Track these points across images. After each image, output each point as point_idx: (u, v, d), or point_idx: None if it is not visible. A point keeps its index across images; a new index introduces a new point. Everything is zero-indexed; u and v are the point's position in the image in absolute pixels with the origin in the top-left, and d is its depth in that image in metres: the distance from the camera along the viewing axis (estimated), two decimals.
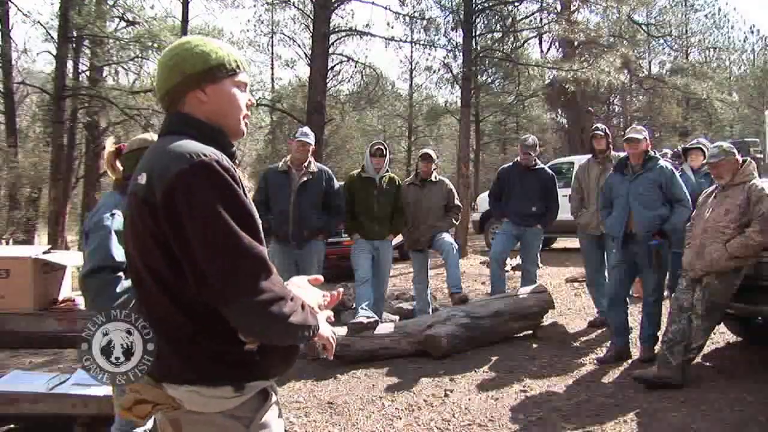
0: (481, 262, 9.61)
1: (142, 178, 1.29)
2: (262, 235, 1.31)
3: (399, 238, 6.07)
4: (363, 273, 5.04)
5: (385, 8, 13.59)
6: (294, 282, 1.52)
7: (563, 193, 5.93)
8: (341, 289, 1.63)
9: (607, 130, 5.37)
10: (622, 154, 4.74)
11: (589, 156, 5.45)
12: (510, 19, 13.36)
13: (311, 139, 4.97)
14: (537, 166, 5.67)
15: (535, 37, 18.02)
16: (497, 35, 14.14)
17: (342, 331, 4.79)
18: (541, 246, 5.87)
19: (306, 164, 4.91)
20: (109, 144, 2.54)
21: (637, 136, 4.34)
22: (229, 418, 1.31)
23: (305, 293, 1.45)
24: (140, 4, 15.20)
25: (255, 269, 1.23)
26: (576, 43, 15.64)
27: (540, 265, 6.05)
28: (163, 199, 1.23)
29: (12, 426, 3.45)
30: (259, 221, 1.32)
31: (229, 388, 1.29)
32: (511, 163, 5.88)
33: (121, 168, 2.46)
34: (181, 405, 1.30)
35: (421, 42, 15.08)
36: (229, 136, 1.43)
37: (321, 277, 1.58)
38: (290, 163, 4.92)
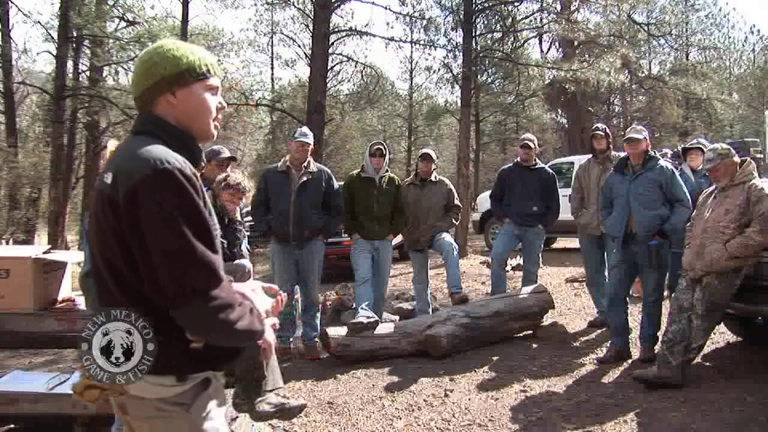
0: (481, 262, 9.61)
1: (108, 177, 1.35)
2: (218, 243, 1.37)
3: (399, 238, 6.07)
4: (363, 273, 5.04)
5: (385, 8, 13.62)
6: (248, 285, 1.62)
7: (563, 193, 5.93)
8: (285, 294, 1.74)
9: (608, 130, 5.37)
10: (622, 154, 4.74)
11: (590, 156, 5.45)
12: (510, 19, 13.35)
13: (310, 139, 4.97)
14: (537, 166, 5.68)
15: (535, 37, 18.04)
16: (497, 35, 14.13)
17: (342, 331, 4.79)
18: (542, 246, 5.87)
19: (305, 164, 4.91)
20: (112, 144, 2.55)
21: (637, 136, 4.35)
22: (171, 403, 1.39)
23: (256, 298, 1.54)
24: (140, 4, 15.22)
25: (205, 277, 1.30)
26: (576, 43, 15.64)
27: (541, 265, 6.04)
28: (125, 201, 1.30)
29: (12, 426, 3.46)
30: (215, 230, 1.38)
31: (172, 377, 1.38)
32: (511, 164, 5.89)
33: None
34: (126, 391, 1.37)
35: (421, 42, 15.07)
36: (198, 139, 1.49)
37: (276, 287, 1.69)
38: (290, 163, 4.93)
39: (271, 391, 3.13)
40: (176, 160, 1.33)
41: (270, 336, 1.51)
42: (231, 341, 1.42)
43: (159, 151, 1.33)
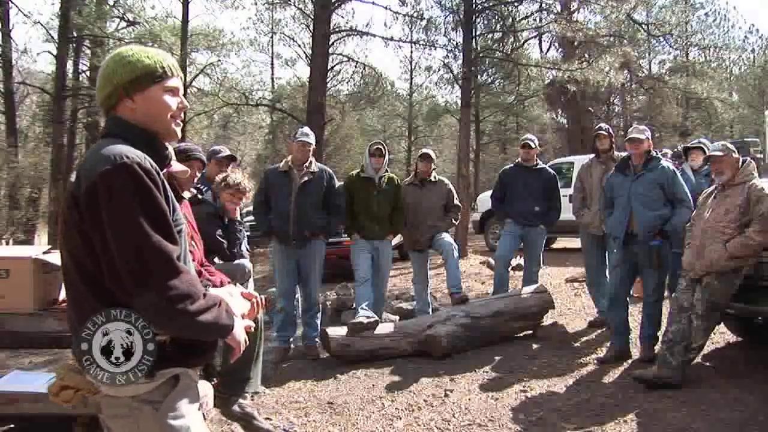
0: (481, 262, 9.61)
1: (73, 176, 1.41)
2: (176, 235, 1.41)
3: (399, 238, 6.07)
4: (363, 273, 5.04)
5: (385, 8, 13.61)
6: (226, 290, 1.70)
7: (563, 193, 5.93)
8: (263, 297, 1.80)
9: (611, 130, 5.37)
10: (624, 154, 4.74)
11: (591, 156, 5.45)
12: (510, 19, 13.34)
13: (311, 139, 4.97)
14: (539, 166, 5.68)
15: (535, 37, 18.01)
16: (497, 35, 14.10)
17: (342, 331, 4.79)
18: (543, 246, 5.88)
19: (307, 164, 4.91)
20: None
21: (639, 136, 4.34)
22: (141, 402, 1.41)
23: (232, 301, 1.60)
24: (140, 4, 15.24)
25: (161, 267, 1.33)
26: (576, 43, 15.63)
27: (542, 265, 6.04)
28: (85, 196, 1.34)
29: (12, 426, 3.45)
30: (174, 222, 1.42)
31: None
32: (512, 164, 5.89)
33: None
34: (99, 390, 1.40)
35: (421, 42, 15.07)
36: (161, 139, 1.55)
37: (254, 293, 1.76)
38: (291, 164, 4.93)
39: (252, 394, 3.22)
40: (135, 155, 1.38)
41: (240, 336, 1.51)
42: (195, 334, 1.43)
43: (119, 148, 1.38)
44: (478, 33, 13.45)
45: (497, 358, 4.68)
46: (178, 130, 1.59)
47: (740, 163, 3.78)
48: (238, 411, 3.10)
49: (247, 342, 1.58)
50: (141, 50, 1.53)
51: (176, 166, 2.12)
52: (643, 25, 18.33)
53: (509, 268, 6.07)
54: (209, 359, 1.60)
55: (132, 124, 1.48)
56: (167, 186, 1.44)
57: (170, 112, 1.53)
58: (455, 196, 5.66)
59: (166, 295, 1.32)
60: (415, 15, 13.94)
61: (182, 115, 1.60)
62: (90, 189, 1.33)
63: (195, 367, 1.54)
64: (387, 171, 5.32)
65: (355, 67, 17.39)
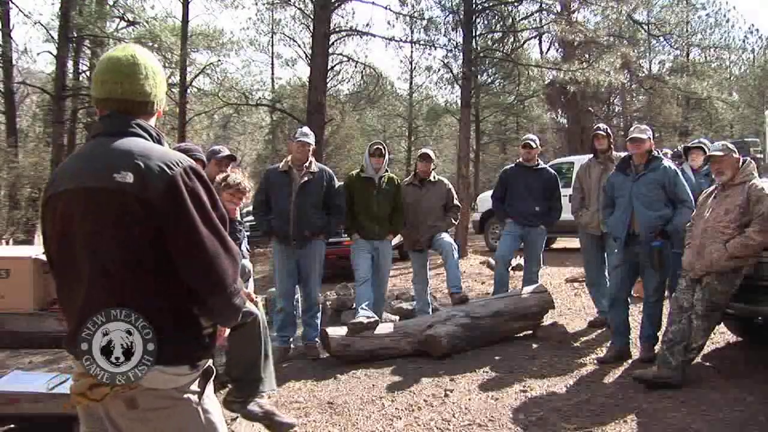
0: (481, 262, 9.61)
1: (129, 177, 1.36)
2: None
3: (399, 238, 6.07)
4: (363, 273, 5.04)
5: (385, 8, 13.61)
6: None
7: (563, 194, 5.93)
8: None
9: (609, 130, 5.37)
10: (623, 155, 4.73)
11: (591, 156, 5.45)
12: (510, 19, 13.35)
13: (311, 139, 4.97)
14: (539, 166, 5.68)
15: (535, 37, 18.04)
16: (497, 35, 14.12)
17: (342, 331, 4.79)
18: (543, 246, 5.88)
19: (307, 164, 4.91)
20: None
21: (641, 135, 4.33)
22: (183, 392, 1.43)
23: None
24: (140, 4, 15.24)
25: (234, 265, 1.43)
26: (576, 44, 15.63)
27: (542, 265, 6.04)
28: (161, 197, 1.35)
29: (12, 426, 3.45)
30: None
31: (186, 366, 1.43)
32: (513, 164, 5.89)
33: None
34: (138, 384, 1.38)
35: (421, 42, 15.08)
36: None
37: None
38: (291, 164, 4.93)
39: (266, 392, 3.20)
40: (188, 159, 1.43)
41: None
42: (235, 321, 1.55)
43: (170, 150, 1.45)
44: (478, 33, 13.46)
45: (497, 358, 4.67)
46: None
47: (740, 163, 3.78)
48: (259, 411, 3.08)
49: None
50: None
51: None
52: (643, 25, 18.34)
53: (509, 268, 6.07)
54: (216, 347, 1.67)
55: (151, 127, 1.53)
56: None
57: None
58: (455, 196, 5.66)
59: (231, 292, 1.42)
60: (415, 15, 13.95)
61: None
62: (167, 190, 1.36)
63: (212, 356, 1.59)
64: (387, 171, 5.32)
65: (355, 67, 17.42)
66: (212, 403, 1.52)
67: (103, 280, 1.39)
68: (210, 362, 1.51)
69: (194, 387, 1.45)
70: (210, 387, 1.51)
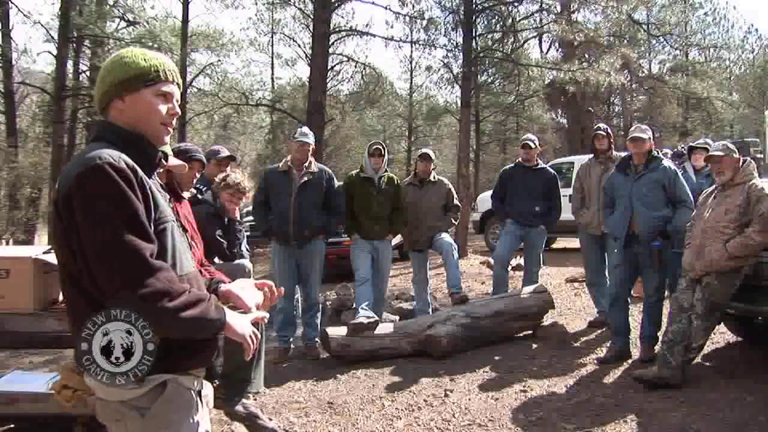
0: (481, 262, 9.61)
1: (58, 182, 1.40)
2: (151, 233, 1.37)
3: (399, 238, 6.07)
4: (363, 273, 5.03)
5: (385, 8, 13.63)
6: (237, 284, 1.66)
7: (563, 194, 5.93)
8: (280, 288, 1.75)
9: (609, 130, 5.37)
10: (623, 154, 4.73)
11: (591, 156, 5.45)
12: (510, 19, 13.36)
13: (311, 139, 4.97)
14: (539, 166, 5.68)
15: (535, 37, 18.04)
16: (497, 35, 14.14)
17: (342, 331, 4.79)
18: (543, 246, 5.88)
19: (306, 164, 4.91)
20: None
21: (642, 135, 4.33)
22: (128, 407, 1.39)
23: (245, 294, 1.62)
24: (140, 4, 15.24)
25: (136, 266, 1.31)
26: (576, 44, 15.64)
27: (542, 265, 6.04)
28: (62, 200, 1.34)
29: (12, 426, 3.45)
30: (157, 219, 1.41)
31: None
32: (513, 164, 5.89)
33: None
34: (94, 392, 1.40)
35: (421, 42, 15.12)
36: (150, 142, 1.51)
37: (269, 282, 1.71)
38: (291, 164, 4.93)
39: (254, 393, 3.20)
40: (110, 155, 1.35)
41: (244, 329, 1.48)
42: (183, 332, 1.38)
43: (98, 151, 1.36)
44: (478, 33, 13.47)
45: (497, 358, 4.67)
46: (167, 137, 1.55)
47: (740, 163, 3.78)
48: (242, 411, 3.10)
49: (257, 335, 1.51)
50: (140, 53, 1.51)
51: (172, 161, 2.08)
52: (643, 25, 18.37)
53: (509, 268, 6.07)
54: (207, 362, 1.52)
55: (118, 126, 1.47)
56: (149, 183, 1.42)
57: (159, 116, 1.50)
58: (455, 196, 5.66)
59: (142, 294, 1.29)
60: (415, 15, 13.96)
61: (173, 122, 1.57)
62: (65, 194, 1.34)
63: (192, 370, 1.50)
64: (387, 171, 5.32)
65: (355, 67, 17.42)
66: (169, 421, 1.42)
67: (61, 285, 1.47)
68: (169, 377, 1.42)
69: (142, 402, 1.39)
70: (167, 403, 1.42)
